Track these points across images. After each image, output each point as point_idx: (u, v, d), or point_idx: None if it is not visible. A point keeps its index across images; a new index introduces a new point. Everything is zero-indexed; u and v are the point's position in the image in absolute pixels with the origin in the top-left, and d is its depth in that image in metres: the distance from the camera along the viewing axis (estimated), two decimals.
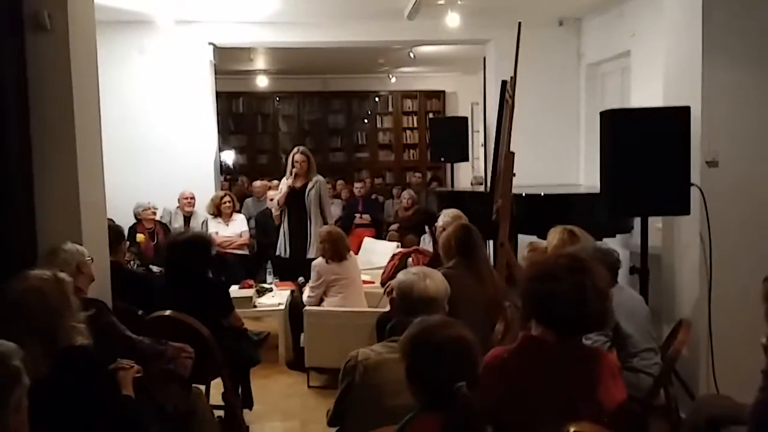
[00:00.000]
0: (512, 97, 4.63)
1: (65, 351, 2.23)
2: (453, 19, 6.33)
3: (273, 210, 7.36)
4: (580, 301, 2.04)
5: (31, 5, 3.18)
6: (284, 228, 6.11)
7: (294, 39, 7.31)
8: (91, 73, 3.55)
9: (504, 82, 4.53)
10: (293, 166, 5.98)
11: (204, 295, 3.71)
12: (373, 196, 9.38)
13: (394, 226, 8.41)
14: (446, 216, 4.24)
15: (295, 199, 5.95)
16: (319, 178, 6.05)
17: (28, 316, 2.21)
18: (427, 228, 7.23)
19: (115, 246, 3.84)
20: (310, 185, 5.93)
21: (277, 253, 6.19)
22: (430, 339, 1.65)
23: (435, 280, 2.29)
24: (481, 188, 8.35)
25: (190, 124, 7.06)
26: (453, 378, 1.57)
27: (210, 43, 7.16)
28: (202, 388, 3.56)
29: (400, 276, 2.33)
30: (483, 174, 9.86)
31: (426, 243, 7.13)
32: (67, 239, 3.15)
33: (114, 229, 3.88)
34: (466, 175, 10.13)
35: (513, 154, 4.63)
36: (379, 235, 8.14)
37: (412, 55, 8.93)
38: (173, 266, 3.74)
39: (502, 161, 4.43)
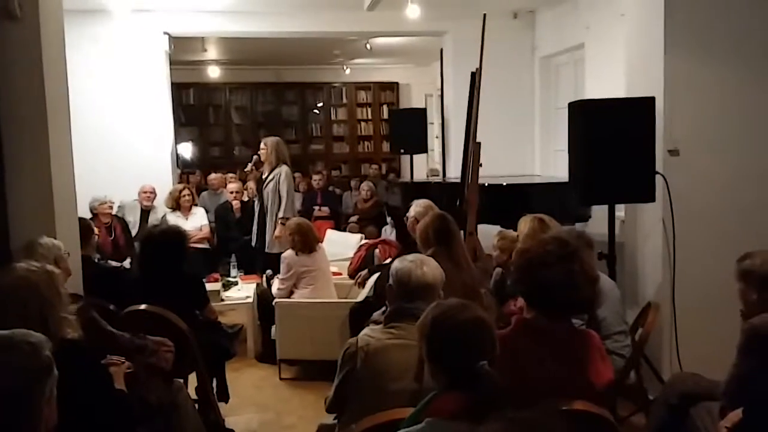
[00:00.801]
0: (479, 88, 4.72)
1: (59, 344, 2.20)
2: (413, 11, 6.38)
3: (234, 203, 7.35)
4: (571, 286, 2.14)
5: None
6: (255, 218, 6.09)
7: (251, 29, 7.23)
8: (61, 63, 3.46)
9: (473, 74, 4.60)
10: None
11: (179, 288, 3.67)
12: (330, 188, 9.39)
13: (353, 218, 8.44)
14: (418, 206, 4.29)
15: (259, 190, 5.91)
16: (281, 169, 5.84)
17: (21, 307, 2.17)
18: (389, 219, 7.28)
19: (85, 240, 3.76)
20: (269, 177, 5.83)
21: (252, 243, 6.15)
22: (452, 321, 1.70)
23: (431, 267, 2.34)
24: (436, 179, 8.49)
25: (145, 115, 6.91)
26: (475, 358, 1.63)
27: (165, 33, 7.03)
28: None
29: (396, 264, 2.38)
30: (436, 166, 10.03)
31: (388, 234, 7.19)
32: (41, 233, 3.08)
33: (83, 223, 3.80)
34: (423, 167, 10.23)
35: (479, 144, 4.73)
36: (338, 227, 8.17)
37: (368, 46, 8.96)
38: (148, 259, 3.69)
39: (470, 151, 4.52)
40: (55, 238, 3.11)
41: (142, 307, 3.51)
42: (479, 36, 4.97)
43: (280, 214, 5.77)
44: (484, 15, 4.77)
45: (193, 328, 3.57)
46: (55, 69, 3.34)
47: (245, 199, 7.60)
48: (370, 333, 2.28)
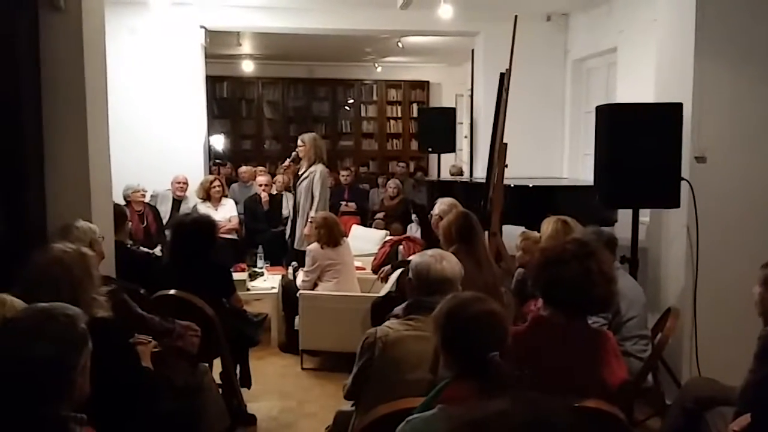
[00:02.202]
0: (507, 89, 4.76)
1: (89, 322, 2.30)
2: (446, 11, 6.41)
3: (262, 195, 7.48)
4: (587, 285, 2.18)
5: None
6: (291, 213, 6.19)
7: (286, 24, 7.34)
8: (101, 55, 3.59)
9: (502, 75, 4.64)
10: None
11: (208, 275, 3.78)
12: (358, 184, 9.47)
13: (379, 215, 8.51)
14: (442, 204, 4.35)
15: (295, 186, 5.96)
16: (317, 167, 5.80)
17: (53, 285, 2.27)
18: (414, 216, 7.34)
19: (119, 226, 3.89)
20: (304, 174, 5.84)
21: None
22: (466, 312, 1.77)
23: (450, 262, 2.41)
24: (461, 178, 8.53)
25: (180, 107, 7.07)
26: (487, 348, 1.69)
27: (201, 26, 7.17)
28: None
29: (416, 258, 2.44)
30: (460, 164, 10.05)
31: (413, 231, 7.25)
32: (78, 217, 3.21)
33: (118, 209, 3.93)
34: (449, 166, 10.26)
35: (506, 145, 4.77)
36: (364, 223, 8.24)
37: (400, 45, 9.01)
38: (179, 247, 3.80)
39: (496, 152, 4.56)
40: (91, 223, 3.23)
41: (171, 292, 3.63)
42: (511, 37, 5.01)
43: (312, 213, 5.73)
44: (515, 16, 4.80)
45: (219, 315, 3.68)
46: (95, 60, 3.47)
47: (273, 192, 7.72)
48: (389, 324, 2.35)
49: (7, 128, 3.08)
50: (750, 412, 2.36)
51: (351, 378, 2.41)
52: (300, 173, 5.90)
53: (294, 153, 5.97)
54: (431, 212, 4.52)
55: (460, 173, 9.27)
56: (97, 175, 3.45)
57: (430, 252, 2.45)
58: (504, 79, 4.63)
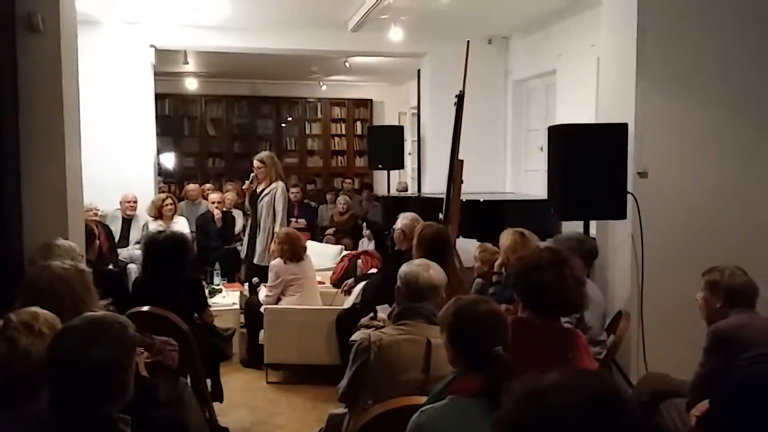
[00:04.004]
0: (461, 109, 5.03)
1: None
2: (396, 34, 6.68)
3: (215, 213, 7.51)
4: (562, 288, 2.41)
5: (23, 7, 3.26)
6: (247, 231, 6.24)
7: (236, 44, 7.45)
8: (75, 75, 3.64)
9: (458, 96, 4.90)
10: (252, 171, 6.07)
11: (180, 291, 3.84)
12: (305, 201, 9.60)
13: (330, 230, 8.66)
14: (405, 219, 4.55)
15: (252, 203, 6.03)
16: (277, 184, 5.98)
17: (57, 302, 2.33)
18: (367, 232, 7.52)
19: (88, 244, 3.91)
20: (265, 191, 5.95)
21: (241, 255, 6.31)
22: (473, 312, 1.95)
23: (436, 270, 2.60)
24: (406, 194, 8.79)
25: (129, 126, 7.06)
26: (492, 343, 1.89)
27: (151, 45, 7.19)
28: None
29: (404, 268, 2.63)
30: (409, 181, 10.33)
31: (365, 246, 7.43)
32: (55, 236, 3.24)
33: (87, 228, 3.94)
34: (396, 183, 10.51)
35: (462, 161, 5.03)
36: (314, 239, 8.36)
37: (347, 64, 9.23)
38: (152, 263, 3.85)
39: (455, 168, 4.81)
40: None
41: (146, 308, 3.67)
42: (456, 58, 5.29)
43: (276, 229, 5.86)
44: (468, 42, 5.07)
45: (192, 330, 3.74)
46: (71, 80, 3.53)
47: (225, 209, 7.76)
48: (381, 329, 2.52)
49: None
50: (701, 401, 2.64)
51: (346, 381, 2.55)
52: (259, 191, 5.98)
53: (252, 175, 6.03)
54: (393, 227, 4.70)
55: (406, 189, 9.55)
56: (72, 194, 3.49)
57: (416, 262, 2.64)
58: (459, 101, 4.89)
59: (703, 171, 4.14)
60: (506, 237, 4.02)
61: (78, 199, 3.66)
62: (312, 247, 7.17)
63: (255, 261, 5.93)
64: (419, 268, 2.59)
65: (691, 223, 4.10)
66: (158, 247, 3.82)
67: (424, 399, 2.10)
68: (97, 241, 4.30)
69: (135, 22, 6.81)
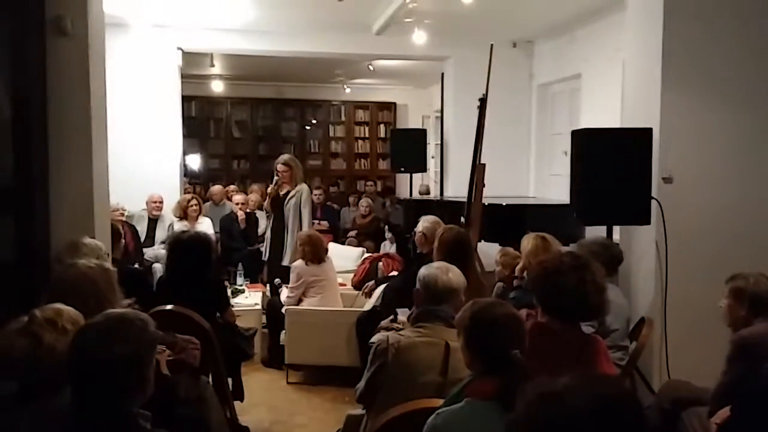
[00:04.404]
0: (484, 113, 5.02)
1: None
2: (420, 37, 6.69)
3: (239, 214, 7.57)
4: (582, 294, 2.39)
5: (53, 10, 3.33)
6: (267, 233, 6.26)
7: (262, 47, 7.52)
8: (103, 77, 3.71)
9: (481, 100, 4.90)
10: (276, 175, 6.10)
11: (203, 290, 3.88)
12: (328, 203, 9.65)
13: (352, 233, 8.69)
14: (426, 222, 4.55)
15: (277, 206, 6.06)
16: (303, 187, 6.02)
17: (81, 300, 2.37)
18: (389, 234, 7.53)
19: (114, 243, 3.97)
20: (291, 194, 5.97)
21: (263, 256, 6.34)
22: (489, 315, 1.96)
23: (455, 273, 2.61)
24: (428, 197, 8.80)
25: (156, 127, 7.16)
26: (509, 346, 1.89)
27: (179, 48, 7.29)
28: None
29: (423, 270, 2.64)
30: (432, 184, 10.33)
31: (387, 249, 7.43)
32: (81, 235, 3.30)
33: (113, 228, 4.01)
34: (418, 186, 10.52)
35: (484, 165, 5.02)
36: (336, 241, 8.40)
37: (371, 67, 9.26)
38: (176, 262, 3.90)
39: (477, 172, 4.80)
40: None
41: (169, 307, 3.72)
42: (480, 62, 5.29)
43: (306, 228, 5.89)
44: (492, 45, 5.06)
45: (214, 329, 3.79)
46: (98, 82, 3.59)
47: (248, 210, 7.83)
48: (400, 332, 2.53)
49: (16, 148, 3.17)
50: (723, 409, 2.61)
51: (364, 382, 2.56)
52: (283, 193, 6.02)
53: (276, 178, 6.06)
54: (414, 230, 4.71)
55: (428, 192, 9.55)
56: (98, 193, 3.55)
57: (435, 264, 2.64)
58: (482, 104, 4.88)
59: (729, 177, 4.08)
60: (528, 241, 4.01)
61: (104, 199, 3.73)
62: (334, 249, 7.20)
63: (284, 263, 5.93)
64: (438, 270, 2.59)
65: (716, 229, 4.04)
66: (182, 246, 3.88)
67: (442, 402, 2.11)
68: (123, 241, 4.37)
69: (162, 25, 6.91)
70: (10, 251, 3.22)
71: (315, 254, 5.10)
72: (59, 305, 1.96)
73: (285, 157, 6.21)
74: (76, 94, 3.40)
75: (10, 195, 3.19)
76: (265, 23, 6.98)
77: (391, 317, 4.12)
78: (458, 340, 2.05)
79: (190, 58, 8.16)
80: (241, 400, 4.20)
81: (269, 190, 6.12)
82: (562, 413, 1.13)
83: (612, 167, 3.87)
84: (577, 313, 2.42)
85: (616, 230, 4.39)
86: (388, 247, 7.49)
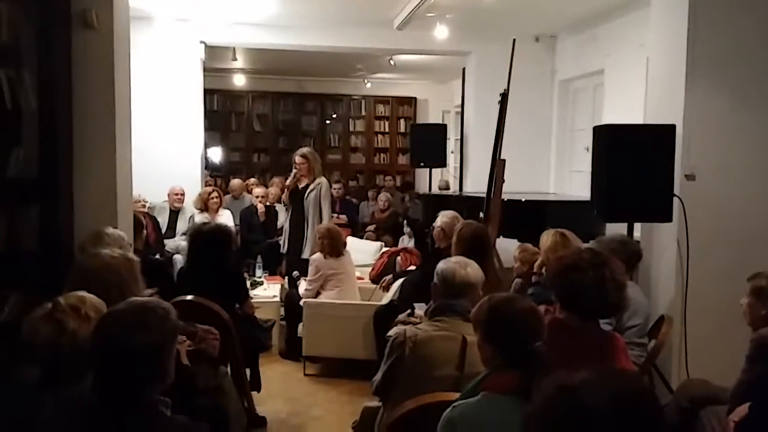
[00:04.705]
0: (505, 109, 5.01)
1: None
2: (441, 32, 6.68)
3: (259, 207, 7.62)
4: (601, 291, 2.39)
5: (79, 3, 3.37)
6: (286, 225, 6.29)
7: (284, 41, 7.56)
8: (127, 71, 3.75)
9: (503, 95, 4.89)
10: (294, 167, 6.12)
11: (223, 282, 3.92)
12: (347, 197, 9.67)
13: (371, 227, 8.71)
14: (445, 217, 4.55)
15: (296, 199, 6.08)
16: (322, 180, 6.03)
17: (103, 289, 2.41)
18: (407, 229, 7.54)
19: (136, 234, 4.02)
20: (311, 187, 5.98)
21: (282, 249, 6.38)
22: (509, 308, 1.96)
23: (473, 268, 2.62)
24: (448, 192, 8.78)
25: (179, 120, 7.22)
26: (528, 340, 1.89)
27: (201, 42, 7.35)
28: None
29: (441, 265, 2.64)
30: (450, 179, 10.30)
31: (405, 243, 7.45)
32: (104, 225, 3.35)
33: (135, 219, 4.06)
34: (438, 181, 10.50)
35: (504, 161, 5.01)
36: (355, 235, 8.42)
37: (392, 62, 9.26)
38: (197, 253, 3.95)
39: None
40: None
41: (189, 297, 3.77)
42: (501, 57, 5.27)
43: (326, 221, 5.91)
44: (514, 40, 5.05)
45: (233, 320, 3.83)
46: (123, 76, 3.63)
47: (268, 203, 7.88)
48: (417, 325, 2.54)
49: (41, 140, 3.23)
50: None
51: (380, 375, 2.58)
52: (302, 186, 6.04)
53: (295, 170, 6.08)
54: (433, 224, 4.71)
55: (447, 187, 9.54)
56: (121, 185, 3.60)
57: (453, 259, 2.65)
58: (504, 99, 4.87)
59: (753, 175, 4.03)
60: (547, 237, 3.99)
61: (127, 190, 3.77)
62: (352, 243, 7.23)
63: (303, 256, 5.96)
64: (456, 265, 2.60)
65: (738, 228, 4.00)
66: (203, 238, 3.92)
67: (458, 395, 2.12)
68: (145, 231, 4.42)
69: (186, 19, 6.96)
70: (35, 241, 3.28)
71: (334, 247, 5.13)
72: (83, 293, 2.00)
73: (303, 150, 6.22)
74: (101, 87, 3.44)
75: (35, 185, 3.24)
76: (287, 18, 7.00)
77: (408, 311, 4.15)
78: (475, 334, 2.06)
79: (213, 51, 8.22)
80: (258, 391, 4.24)
81: (288, 182, 6.14)
82: (580, 407, 1.13)
83: (634, 164, 3.84)
84: (596, 310, 2.42)
85: (637, 227, 4.36)
86: (406, 241, 7.51)
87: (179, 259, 6.56)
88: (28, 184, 3.26)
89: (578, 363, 2.38)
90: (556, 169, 7.99)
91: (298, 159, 6.06)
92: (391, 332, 2.74)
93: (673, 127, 3.86)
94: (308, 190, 5.97)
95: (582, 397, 1.14)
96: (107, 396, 1.66)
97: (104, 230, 3.25)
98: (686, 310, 3.98)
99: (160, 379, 1.74)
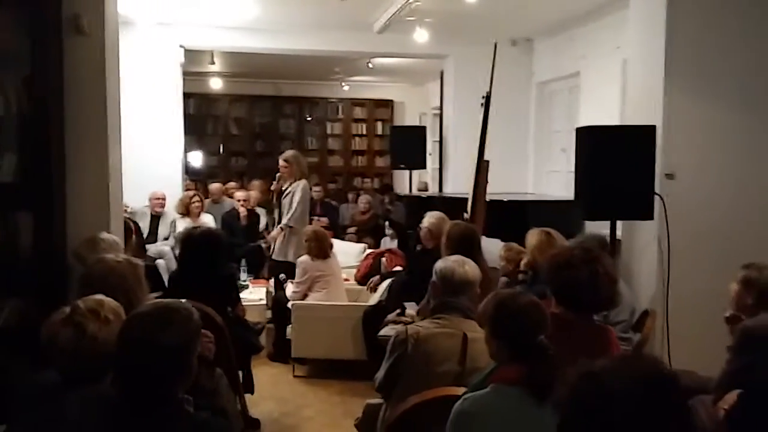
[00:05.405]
0: (488, 110, 5.10)
1: None
2: (421, 35, 6.75)
3: (241, 211, 7.63)
4: (595, 286, 2.48)
5: (70, 9, 3.37)
6: (275, 229, 6.30)
7: (263, 45, 7.57)
8: (117, 76, 3.75)
9: (486, 98, 4.98)
10: (278, 171, 6.14)
11: (215, 285, 3.94)
12: (326, 199, 9.71)
13: (351, 229, 8.76)
14: (432, 218, 4.63)
15: (278, 201, 6.11)
16: (300, 182, 5.94)
17: (110, 293, 2.42)
18: (389, 231, 7.61)
19: (126, 239, 4.02)
20: (288, 190, 5.98)
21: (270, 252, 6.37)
22: (515, 303, 2.04)
23: (471, 266, 2.69)
24: (429, 193, 8.87)
25: (158, 124, 7.19)
26: (534, 334, 1.97)
27: (181, 46, 7.33)
28: None
29: (440, 263, 2.72)
30: (430, 181, 10.40)
31: (387, 244, 7.51)
32: (96, 230, 3.36)
33: (126, 224, 4.06)
34: (416, 183, 10.58)
35: (488, 162, 5.10)
36: (336, 237, 8.45)
37: (370, 65, 9.33)
38: (188, 257, 3.96)
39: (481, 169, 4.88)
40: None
41: (182, 301, 3.78)
42: (480, 59, 5.36)
43: (284, 221, 5.89)
44: (495, 43, 5.13)
45: (225, 324, 3.85)
46: (113, 80, 3.64)
47: (249, 207, 7.89)
48: (418, 323, 2.61)
49: (34, 145, 3.23)
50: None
51: (383, 372, 2.64)
52: (284, 189, 6.06)
53: (278, 175, 6.09)
54: (419, 225, 4.78)
55: (426, 188, 9.64)
56: (113, 190, 3.61)
57: (452, 258, 2.72)
58: (486, 102, 4.96)
59: (731, 173, 4.17)
60: (533, 236, 4.09)
61: (118, 196, 3.78)
62: (335, 245, 7.28)
63: (273, 256, 5.96)
64: (455, 263, 2.67)
65: (718, 225, 4.14)
66: (194, 242, 3.93)
67: (460, 390, 2.19)
68: (134, 236, 4.42)
69: (166, 23, 6.95)
70: (28, 246, 3.28)
71: (320, 249, 5.17)
72: (100, 296, 2.03)
73: (286, 153, 6.20)
74: (92, 92, 3.45)
75: (28, 191, 3.24)
76: (267, 21, 7.02)
77: (398, 311, 4.22)
78: (482, 331, 2.13)
79: (191, 55, 8.19)
80: (252, 393, 4.27)
81: (272, 186, 6.16)
82: (605, 392, 1.19)
83: (616, 164, 3.95)
84: (591, 304, 2.51)
85: (620, 226, 4.48)
86: (388, 243, 7.57)
87: (162, 264, 6.54)
88: (21, 190, 3.26)
89: (576, 355, 2.49)
90: (535, 169, 8.13)
91: (281, 162, 6.08)
92: (386, 331, 2.81)
93: (653, 128, 3.98)
94: (285, 193, 5.97)
95: (605, 381, 1.21)
96: (136, 396, 1.69)
97: (99, 236, 3.26)
98: (668, 305, 4.10)
99: (185, 377, 1.78)
